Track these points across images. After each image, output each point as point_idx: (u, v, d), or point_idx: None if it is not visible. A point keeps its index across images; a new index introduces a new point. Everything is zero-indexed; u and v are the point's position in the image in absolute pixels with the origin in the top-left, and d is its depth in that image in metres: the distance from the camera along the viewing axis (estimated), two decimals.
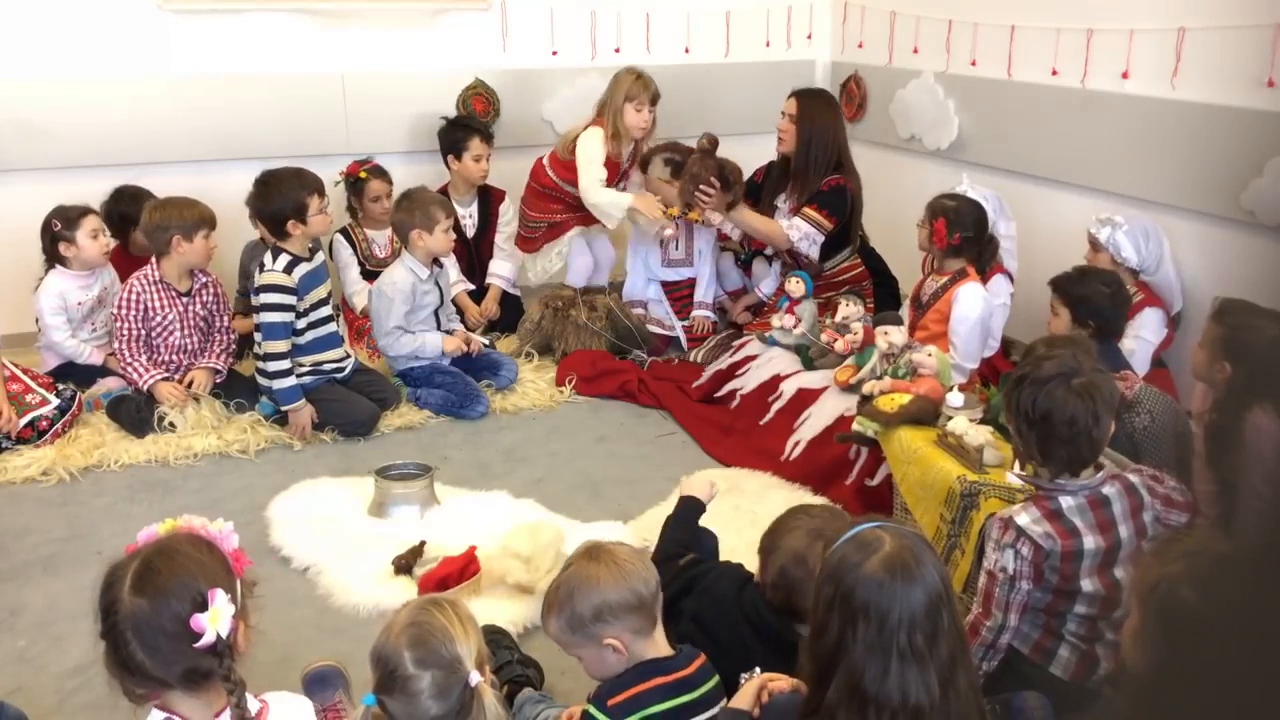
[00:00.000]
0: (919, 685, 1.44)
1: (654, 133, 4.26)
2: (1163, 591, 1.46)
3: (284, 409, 3.53)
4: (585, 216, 4.32)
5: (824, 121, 3.95)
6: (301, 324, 3.58)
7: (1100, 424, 1.99)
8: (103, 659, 1.48)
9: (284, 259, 3.49)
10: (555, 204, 4.33)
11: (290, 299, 3.50)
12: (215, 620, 1.44)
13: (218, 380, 3.70)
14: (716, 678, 1.85)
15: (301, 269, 3.52)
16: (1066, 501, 2.02)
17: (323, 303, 3.63)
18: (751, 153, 4.52)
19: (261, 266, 3.52)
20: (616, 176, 4.22)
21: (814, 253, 3.96)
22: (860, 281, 4.09)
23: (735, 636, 1.98)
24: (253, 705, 1.54)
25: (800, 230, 3.91)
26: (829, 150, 3.94)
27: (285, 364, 3.51)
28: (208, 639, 1.43)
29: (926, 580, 1.47)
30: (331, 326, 3.68)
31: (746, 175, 4.29)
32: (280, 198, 3.47)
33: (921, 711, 1.44)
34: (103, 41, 4.12)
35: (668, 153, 4.19)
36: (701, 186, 3.92)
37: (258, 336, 3.54)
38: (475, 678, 1.56)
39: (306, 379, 3.60)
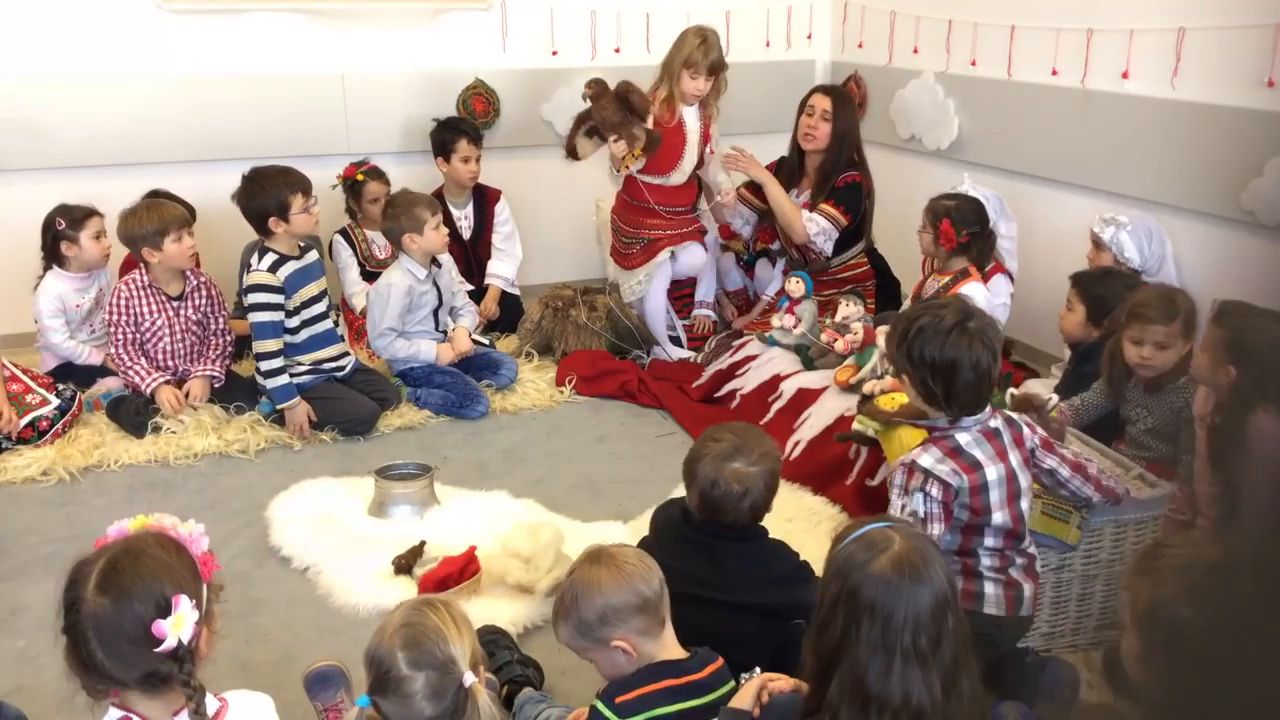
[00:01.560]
0: (921, 687, 1.45)
1: (717, 100, 4.10)
2: (1163, 615, 1.45)
3: (279, 407, 3.53)
4: (676, 235, 4.19)
5: (853, 119, 3.98)
6: (294, 322, 3.58)
7: (996, 363, 2.11)
8: (63, 654, 1.47)
9: (270, 258, 3.50)
10: (651, 218, 4.15)
11: (277, 298, 3.50)
12: (178, 626, 1.43)
13: (215, 386, 3.69)
14: (731, 683, 1.85)
15: (289, 267, 3.52)
16: (963, 437, 2.11)
17: (315, 300, 3.63)
18: (750, 152, 4.51)
19: (248, 267, 3.53)
20: (680, 143, 4.02)
21: (828, 248, 3.98)
22: (864, 281, 4.10)
23: (679, 552, 2.09)
24: (211, 704, 1.53)
25: (818, 225, 3.93)
26: (854, 148, 3.98)
27: (278, 362, 3.51)
28: (168, 645, 1.42)
29: (934, 582, 1.47)
30: (327, 324, 3.68)
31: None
32: (263, 195, 3.46)
33: (923, 713, 1.44)
34: (103, 41, 4.12)
35: (583, 127, 4.02)
36: (735, 152, 3.99)
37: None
38: (469, 678, 1.56)
39: (306, 378, 3.60)
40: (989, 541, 2.13)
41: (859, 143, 4.01)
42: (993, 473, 2.10)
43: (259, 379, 3.58)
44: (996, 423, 2.15)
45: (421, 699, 1.54)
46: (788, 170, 4.13)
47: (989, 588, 2.14)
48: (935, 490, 2.07)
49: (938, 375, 2.08)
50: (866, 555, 1.49)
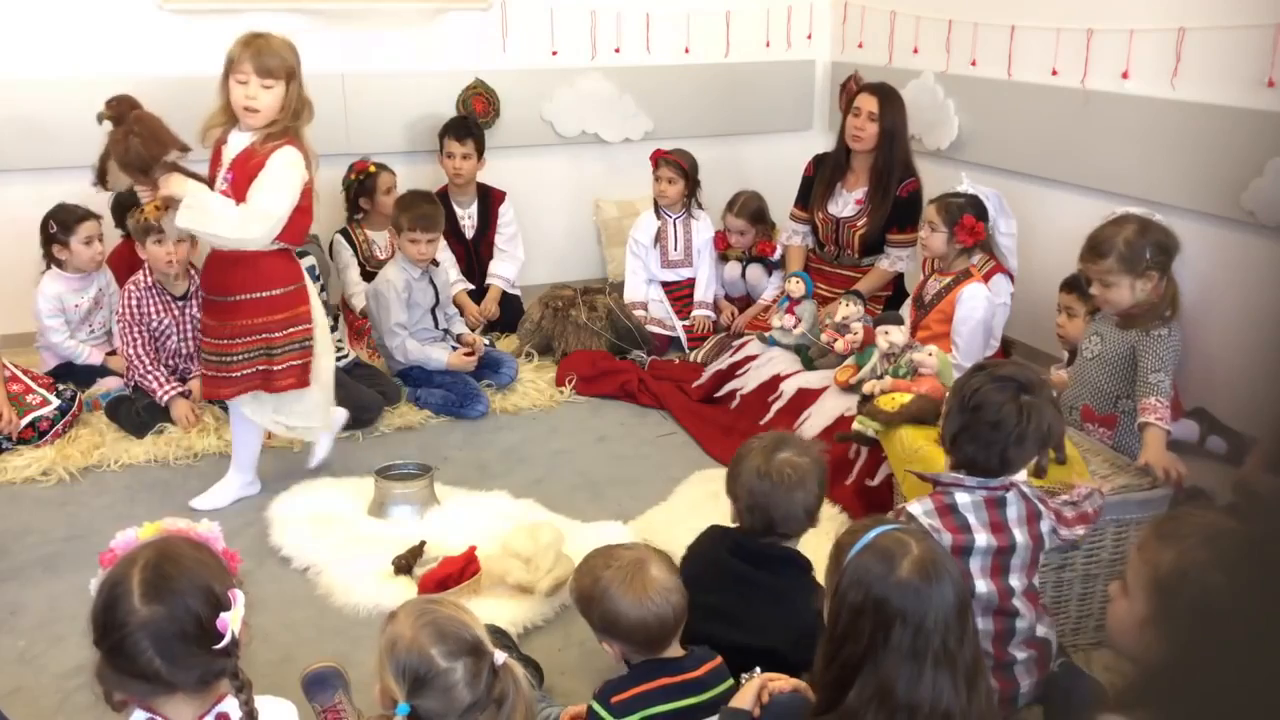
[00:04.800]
0: (950, 689, 1.44)
1: (283, 121, 2.85)
2: (1192, 580, 1.44)
3: None
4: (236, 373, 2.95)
5: (900, 117, 3.95)
6: None
7: (1022, 446, 1.99)
8: (96, 667, 1.46)
9: None
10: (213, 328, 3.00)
11: None
12: (235, 621, 1.45)
13: None
14: (730, 681, 1.86)
15: None
16: (962, 498, 2.03)
17: None
18: (751, 152, 4.53)
19: None
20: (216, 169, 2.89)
21: (908, 265, 4.05)
22: (885, 290, 4.10)
23: (711, 584, 2.00)
24: (236, 711, 1.52)
25: (903, 261, 4.01)
26: (905, 148, 3.97)
27: None
28: (226, 639, 1.43)
29: (953, 576, 1.48)
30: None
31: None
32: None
33: (951, 716, 1.44)
34: (103, 41, 4.12)
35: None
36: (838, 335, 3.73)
37: None
38: (501, 656, 1.57)
39: None
40: (979, 621, 1.95)
41: (907, 143, 4.00)
42: (981, 540, 2.00)
43: None
44: (1007, 495, 2.05)
45: (463, 687, 1.53)
46: (832, 166, 4.10)
47: None
48: None
49: (960, 413, 2.00)
50: (886, 565, 1.47)
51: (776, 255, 4.34)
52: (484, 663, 1.55)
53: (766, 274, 4.37)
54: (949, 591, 1.46)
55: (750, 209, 4.34)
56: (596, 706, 1.79)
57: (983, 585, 2.00)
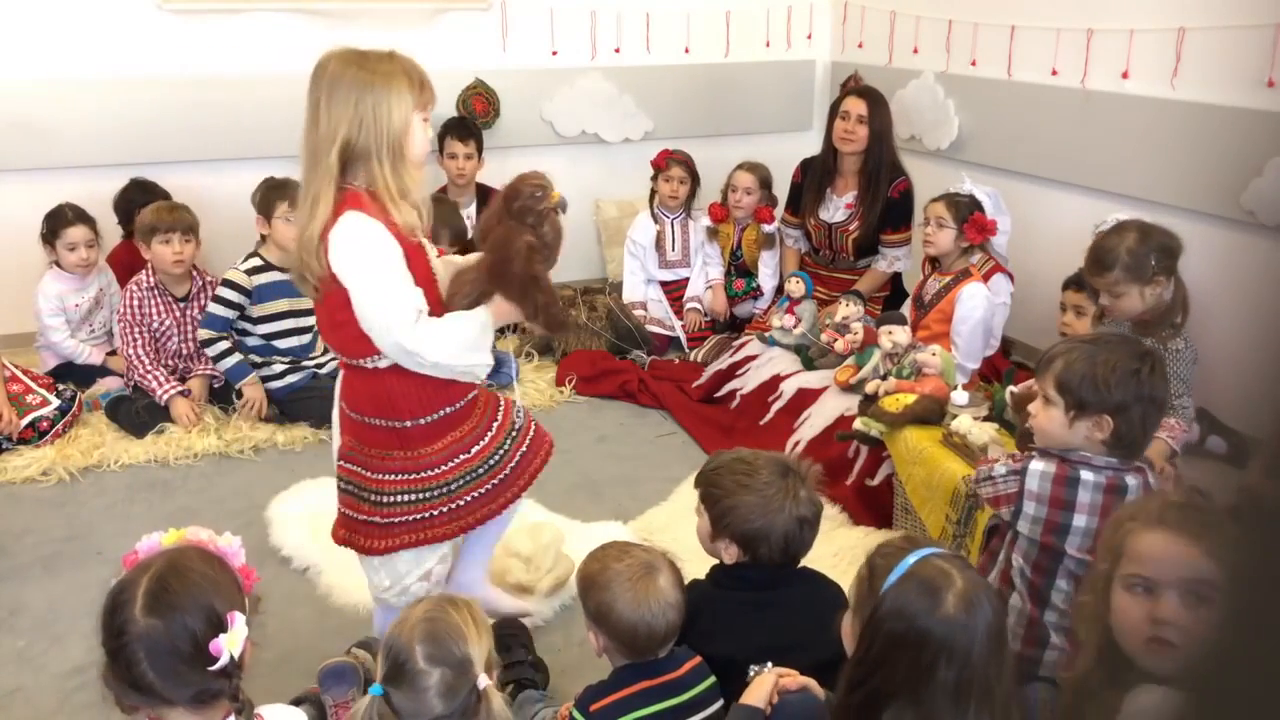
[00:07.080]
0: (988, 716, 1.41)
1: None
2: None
3: (238, 385, 3.57)
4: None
5: (887, 119, 3.96)
6: (260, 329, 3.64)
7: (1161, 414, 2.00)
8: (101, 670, 1.45)
9: (253, 261, 3.59)
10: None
11: (240, 298, 3.56)
12: (233, 644, 1.42)
13: (215, 386, 3.70)
14: (712, 679, 1.85)
15: (266, 276, 3.58)
16: (1086, 475, 1.93)
17: (285, 316, 3.65)
18: (751, 153, 4.52)
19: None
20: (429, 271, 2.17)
21: (907, 264, 4.04)
22: (882, 291, 4.10)
23: (741, 622, 1.95)
24: None
25: (900, 261, 4.00)
26: (892, 148, 3.97)
27: (223, 345, 3.56)
28: (223, 661, 1.41)
29: (994, 606, 1.45)
30: (293, 341, 3.70)
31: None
32: (262, 195, 3.58)
33: None
34: (103, 41, 4.11)
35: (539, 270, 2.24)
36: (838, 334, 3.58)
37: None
38: (484, 681, 1.56)
39: (290, 377, 3.65)
40: (1062, 584, 1.97)
41: (894, 144, 4.00)
42: (1080, 521, 1.93)
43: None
44: (1131, 481, 1.94)
45: (434, 695, 1.54)
46: (820, 170, 4.09)
47: (1049, 655, 1.99)
48: (1014, 485, 1.99)
49: (1156, 413, 1.92)
50: (931, 599, 1.43)
51: (774, 226, 4.30)
52: (464, 680, 1.55)
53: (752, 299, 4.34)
54: (990, 620, 1.42)
55: (761, 170, 4.27)
56: (577, 714, 1.80)
57: (1074, 563, 1.95)
